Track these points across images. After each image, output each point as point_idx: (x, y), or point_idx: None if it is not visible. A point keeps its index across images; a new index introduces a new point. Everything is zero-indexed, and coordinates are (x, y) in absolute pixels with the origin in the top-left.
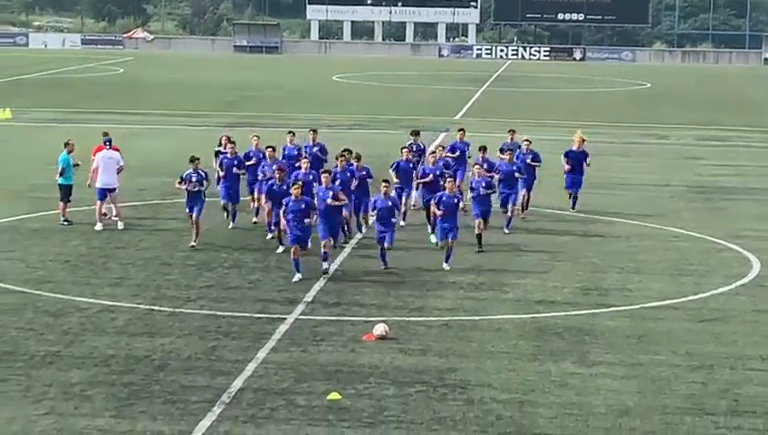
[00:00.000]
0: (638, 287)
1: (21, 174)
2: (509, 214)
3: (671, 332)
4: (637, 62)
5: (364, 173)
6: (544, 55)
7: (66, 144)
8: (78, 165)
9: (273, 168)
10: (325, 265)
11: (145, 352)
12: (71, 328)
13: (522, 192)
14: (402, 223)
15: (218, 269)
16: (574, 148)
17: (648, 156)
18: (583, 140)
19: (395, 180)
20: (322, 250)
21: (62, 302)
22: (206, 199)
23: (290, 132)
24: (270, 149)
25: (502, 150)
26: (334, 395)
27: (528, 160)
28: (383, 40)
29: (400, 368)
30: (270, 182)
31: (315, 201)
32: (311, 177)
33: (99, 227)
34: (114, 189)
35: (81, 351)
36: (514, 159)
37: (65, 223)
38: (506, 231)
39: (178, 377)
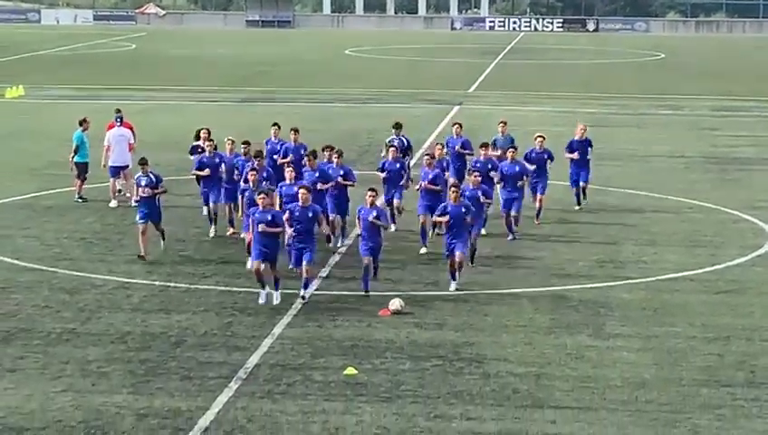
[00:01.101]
0: (654, 259)
1: (34, 151)
2: (511, 222)
3: (687, 304)
4: (650, 33)
5: (342, 173)
6: (557, 27)
7: (81, 122)
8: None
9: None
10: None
11: (161, 328)
12: (87, 305)
13: (537, 196)
14: (393, 227)
15: (233, 245)
16: (577, 137)
17: (662, 127)
18: (585, 129)
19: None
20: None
21: (77, 279)
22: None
23: (275, 124)
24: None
25: (494, 145)
26: (351, 370)
27: (544, 158)
28: (395, 13)
29: (416, 342)
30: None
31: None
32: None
33: (113, 204)
34: (127, 166)
35: (98, 328)
36: (520, 158)
37: (80, 200)
38: (510, 238)
39: (195, 353)
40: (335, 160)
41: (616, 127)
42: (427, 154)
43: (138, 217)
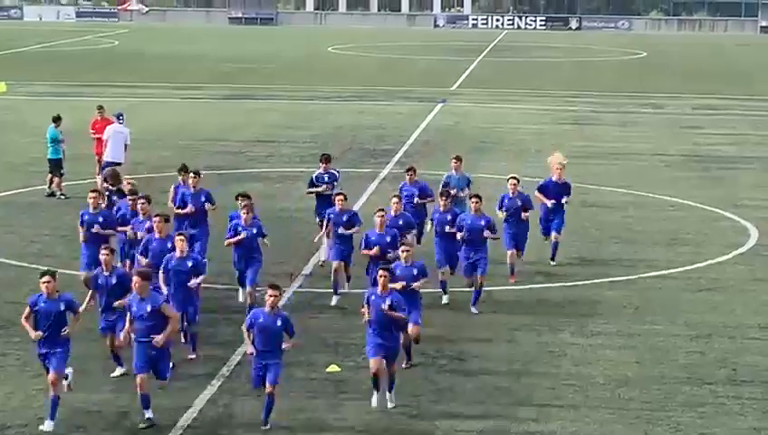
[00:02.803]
0: (636, 258)
1: (17, 147)
2: (477, 287)
3: (669, 301)
4: (633, 31)
5: (345, 218)
6: (540, 25)
7: (56, 119)
8: (63, 141)
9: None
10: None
11: None
12: None
13: (509, 252)
14: (322, 259)
15: (216, 244)
16: (554, 178)
17: (644, 125)
18: (563, 167)
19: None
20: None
21: (59, 276)
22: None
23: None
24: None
25: (445, 189)
26: (333, 367)
27: (518, 205)
28: (378, 10)
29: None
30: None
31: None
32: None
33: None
34: (120, 164)
35: (79, 325)
36: (499, 207)
37: (62, 197)
38: (474, 310)
39: (177, 351)
40: (339, 205)
41: (598, 125)
42: (379, 211)
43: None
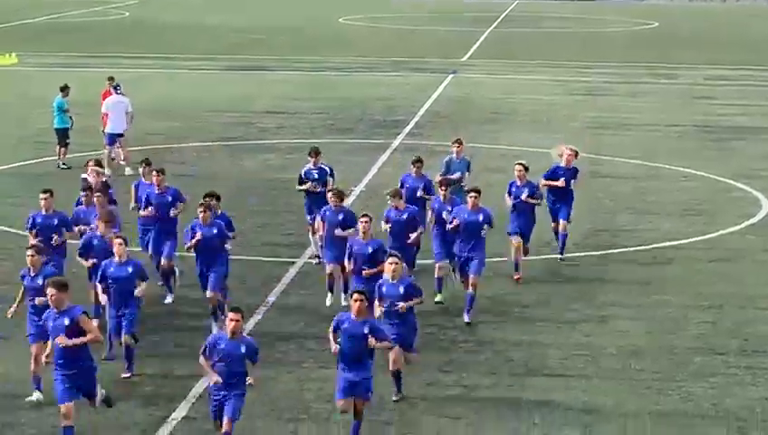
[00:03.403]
0: (648, 228)
1: (26, 119)
2: (470, 290)
3: (681, 272)
4: (645, 1)
5: (341, 218)
6: None
7: (63, 88)
8: (68, 110)
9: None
10: None
11: (153, 296)
12: (76, 272)
13: (513, 239)
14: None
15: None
16: (562, 164)
17: (656, 95)
18: (576, 154)
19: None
20: None
21: (67, 246)
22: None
23: (149, 166)
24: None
25: (448, 170)
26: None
27: (522, 196)
28: None
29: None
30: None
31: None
32: None
33: (108, 172)
34: (122, 135)
35: (90, 298)
36: (508, 193)
37: (63, 166)
38: (466, 319)
39: (188, 320)
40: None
41: (610, 96)
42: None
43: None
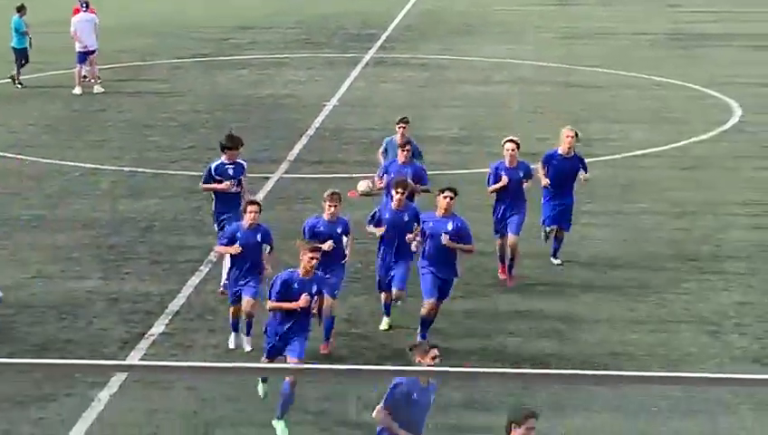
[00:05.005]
0: (621, 136)
1: None
2: (426, 314)
3: (654, 180)
4: None
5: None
6: None
7: (19, 8)
8: (27, 31)
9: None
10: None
11: (130, 214)
12: (54, 192)
13: (511, 237)
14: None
15: (200, 130)
16: (560, 151)
17: (627, 4)
18: (576, 136)
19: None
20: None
21: (44, 166)
22: None
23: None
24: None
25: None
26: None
27: (519, 178)
28: None
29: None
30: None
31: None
32: None
33: (77, 90)
34: (94, 51)
35: (66, 214)
36: (490, 181)
37: (18, 85)
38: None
39: (165, 238)
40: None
41: (580, 5)
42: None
43: None
